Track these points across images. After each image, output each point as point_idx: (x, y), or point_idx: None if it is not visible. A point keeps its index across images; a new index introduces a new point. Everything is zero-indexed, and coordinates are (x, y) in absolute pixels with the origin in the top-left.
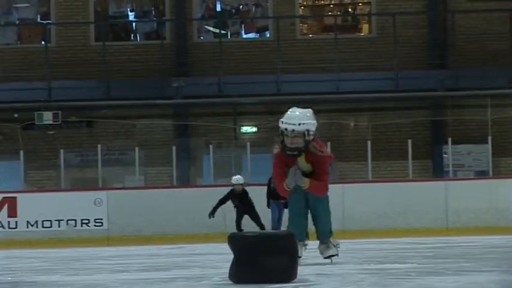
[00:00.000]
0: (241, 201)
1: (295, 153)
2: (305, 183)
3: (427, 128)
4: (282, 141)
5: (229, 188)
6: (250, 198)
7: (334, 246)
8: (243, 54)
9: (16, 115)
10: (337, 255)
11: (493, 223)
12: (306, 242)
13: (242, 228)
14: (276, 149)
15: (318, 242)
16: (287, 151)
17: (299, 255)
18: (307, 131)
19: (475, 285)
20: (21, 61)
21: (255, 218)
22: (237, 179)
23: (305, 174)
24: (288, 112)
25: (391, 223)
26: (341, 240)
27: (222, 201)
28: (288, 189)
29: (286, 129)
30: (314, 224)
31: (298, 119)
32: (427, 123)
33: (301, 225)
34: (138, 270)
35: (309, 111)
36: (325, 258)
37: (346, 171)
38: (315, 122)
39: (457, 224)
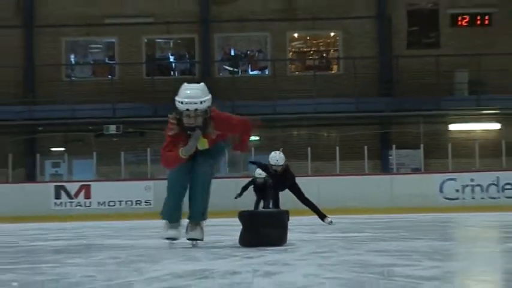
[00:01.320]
0: (261, 190)
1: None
2: (205, 144)
3: (377, 138)
4: (177, 120)
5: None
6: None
7: (202, 228)
8: (249, 85)
9: (91, 127)
10: (201, 239)
11: (424, 205)
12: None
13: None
14: (171, 129)
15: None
16: (188, 131)
17: (175, 237)
18: (208, 107)
19: (413, 248)
20: (95, 89)
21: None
22: (259, 173)
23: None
24: (186, 91)
25: (353, 204)
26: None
27: (244, 188)
28: (184, 157)
29: (188, 109)
30: (189, 201)
31: (199, 97)
32: (378, 134)
33: (179, 207)
34: None
35: (202, 86)
36: (189, 239)
37: (321, 168)
38: (210, 95)
39: (399, 205)
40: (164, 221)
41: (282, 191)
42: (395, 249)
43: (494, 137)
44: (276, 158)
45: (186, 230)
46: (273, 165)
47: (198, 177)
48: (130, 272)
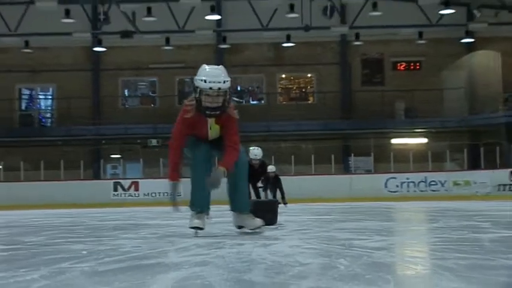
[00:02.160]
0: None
1: (218, 112)
2: (218, 130)
3: (341, 149)
4: (197, 101)
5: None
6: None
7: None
8: (251, 111)
9: (139, 141)
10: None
11: (373, 196)
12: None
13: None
14: (188, 111)
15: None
16: (207, 111)
17: (201, 226)
18: (229, 89)
19: (366, 227)
20: (142, 114)
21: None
22: (255, 154)
23: (213, 140)
24: (207, 69)
25: (324, 195)
26: (300, 204)
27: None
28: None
29: (211, 88)
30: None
31: (223, 76)
32: (341, 146)
33: (206, 196)
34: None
35: (222, 67)
36: (252, 229)
37: (301, 170)
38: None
39: (356, 196)
40: (191, 211)
41: (257, 182)
42: (354, 227)
43: (423, 148)
44: (255, 153)
45: (237, 221)
46: (252, 159)
47: (238, 168)
48: (166, 243)
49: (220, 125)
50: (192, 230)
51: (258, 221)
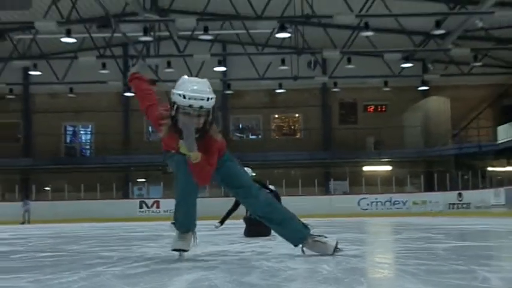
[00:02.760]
0: None
1: (196, 136)
2: (197, 155)
3: (322, 174)
4: (172, 119)
5: None
6: None
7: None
8: (250, 144)
9: (160, 168)
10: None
11: (349, 212)
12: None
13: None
14: (160, 131)
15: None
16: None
17: (185, 248)
18: (213, 107)
19: (343, 238)
20: (162, 146)
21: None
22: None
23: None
24: (191, 84)
25: (309, 212)
26: None
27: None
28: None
29: (191, 105)
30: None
31: (207, 92)
32: (323, 172)
33: (192, 214)
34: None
35: (206, 81)
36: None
37: (291, 192)
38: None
39: (335, 213)
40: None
41: None
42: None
43: (388, 174)
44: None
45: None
46: None
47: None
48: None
49: (208, 145)
50: (175, 252)
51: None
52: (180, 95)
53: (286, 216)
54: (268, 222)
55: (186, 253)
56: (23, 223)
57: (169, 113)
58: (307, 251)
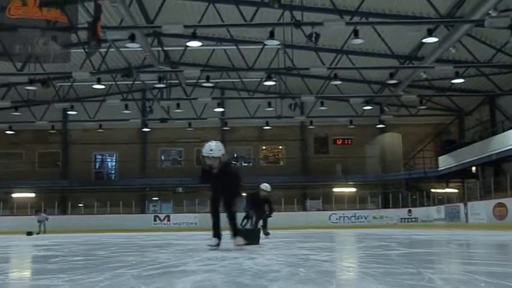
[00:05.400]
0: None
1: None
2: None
3: (301, 195)
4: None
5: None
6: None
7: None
8: (243, 170)
9: (170, 188)
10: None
11: (322, 225)
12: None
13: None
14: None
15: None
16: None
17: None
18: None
19: (317, 246)
20: (172, 171)
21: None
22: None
23: None
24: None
25: (289, 224)
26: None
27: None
28: None
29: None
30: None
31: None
32: (301, 193)
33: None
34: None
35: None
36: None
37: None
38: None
39: (311, 225)
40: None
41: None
42: (309, 247)
43: (353, 194)
44: (211, 146)
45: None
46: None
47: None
48: (187, 257)
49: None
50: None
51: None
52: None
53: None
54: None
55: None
56: (38, 233)
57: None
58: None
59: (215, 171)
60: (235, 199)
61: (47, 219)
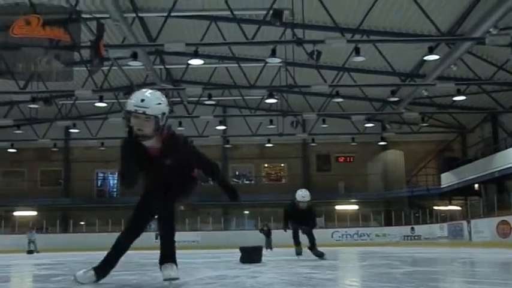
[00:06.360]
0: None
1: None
2: None
3: None
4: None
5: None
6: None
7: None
8: (245, 188)
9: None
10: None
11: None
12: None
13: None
14: None
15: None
16: None
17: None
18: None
19: (321, 264)
20: None
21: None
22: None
23: None
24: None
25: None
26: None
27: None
28: None
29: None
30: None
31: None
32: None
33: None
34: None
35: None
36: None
37: (278, 227)
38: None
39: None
40: None
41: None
42: (312, 265)
43: (355, 212)
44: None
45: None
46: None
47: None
48: (187, 275)
49: None
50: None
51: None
52: None
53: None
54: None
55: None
56: (29, 252)
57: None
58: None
59: (149, 144)
60: (185, 199)
61: (35, 238)
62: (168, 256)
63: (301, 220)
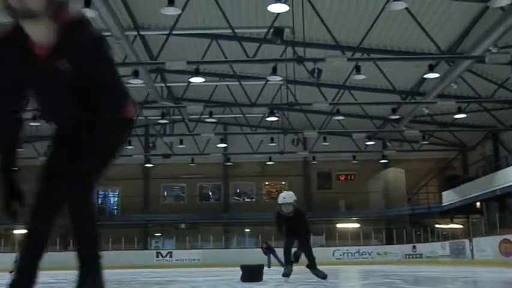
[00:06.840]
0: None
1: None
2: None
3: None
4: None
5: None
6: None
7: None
8: (246, 206)
9: (173, 225)
10: None
11: (325, 261)
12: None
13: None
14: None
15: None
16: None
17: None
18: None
19: (322, 283)
20: (175, 208)
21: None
22: (284, 196)
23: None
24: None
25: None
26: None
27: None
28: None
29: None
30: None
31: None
32: None
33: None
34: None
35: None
36: None
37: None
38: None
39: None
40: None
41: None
42: (312, 284)
43: (356, 230)
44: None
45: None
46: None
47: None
48: None
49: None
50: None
51: None
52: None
53: None
54: None
55: None
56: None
57: None
58: None
59: (37, 37)
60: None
61: None
62: (90, 263)
63: (290, 229)
